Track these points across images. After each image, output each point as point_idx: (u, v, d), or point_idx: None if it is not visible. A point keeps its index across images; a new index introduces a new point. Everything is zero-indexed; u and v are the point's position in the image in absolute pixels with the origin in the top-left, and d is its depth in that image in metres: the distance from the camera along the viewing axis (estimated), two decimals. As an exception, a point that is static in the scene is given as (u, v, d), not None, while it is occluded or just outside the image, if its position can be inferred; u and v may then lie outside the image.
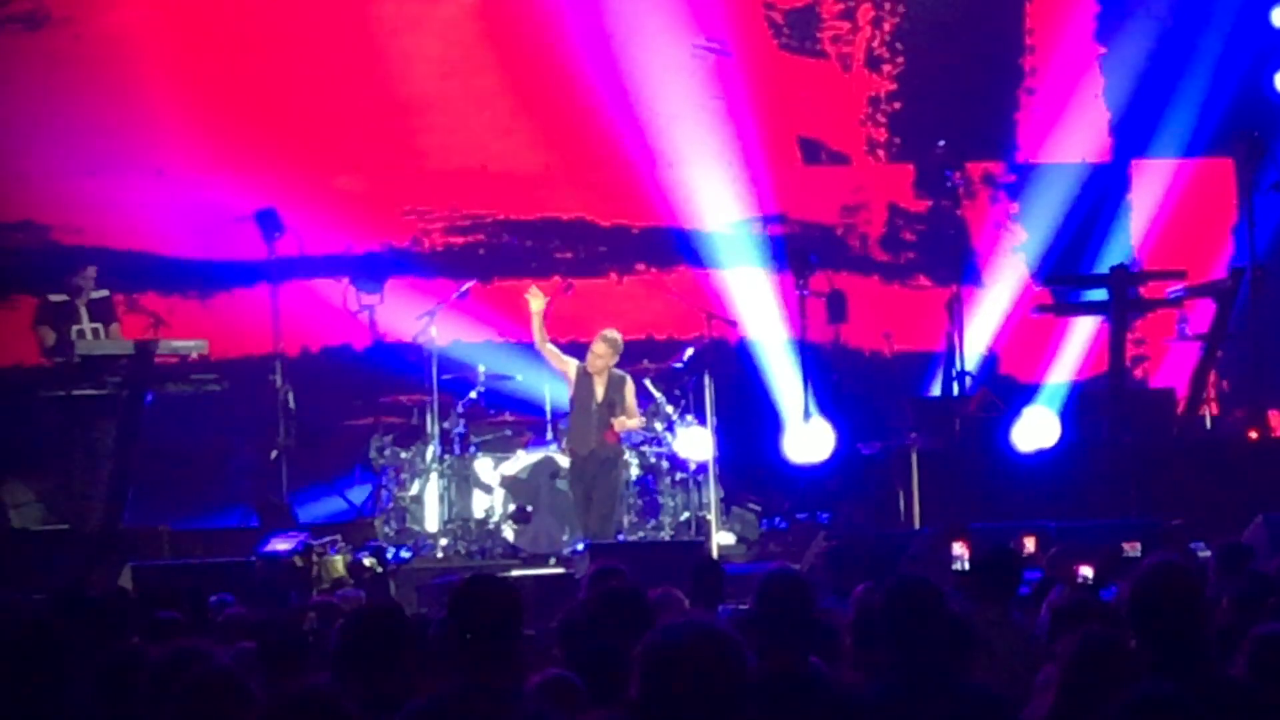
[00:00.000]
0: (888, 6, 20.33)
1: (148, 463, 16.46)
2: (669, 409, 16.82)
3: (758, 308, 19.44)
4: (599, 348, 15.97)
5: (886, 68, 20.37)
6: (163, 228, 18.95)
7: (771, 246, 19.74)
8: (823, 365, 18.34)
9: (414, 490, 16.75)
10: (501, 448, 16.83)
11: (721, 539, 16.57)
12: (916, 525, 15.98)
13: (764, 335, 19.35)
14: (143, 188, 18.92)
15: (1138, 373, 20.10)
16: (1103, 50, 20.48)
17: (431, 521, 16.63)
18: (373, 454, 17.02)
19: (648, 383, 16.85)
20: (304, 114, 19.27)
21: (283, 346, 17.65)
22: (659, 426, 16.77)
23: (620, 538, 16.07)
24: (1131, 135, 20.48)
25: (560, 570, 15.46)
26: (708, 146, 19.83)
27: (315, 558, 15.00)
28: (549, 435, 16.85)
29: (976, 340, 19.06)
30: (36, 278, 17.59)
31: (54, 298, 16.70)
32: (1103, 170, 20.55)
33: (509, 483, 16.51)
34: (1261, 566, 10.47)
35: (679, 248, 19.77)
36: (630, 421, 16.11)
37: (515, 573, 14.48)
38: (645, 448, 16.75)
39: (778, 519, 17.63)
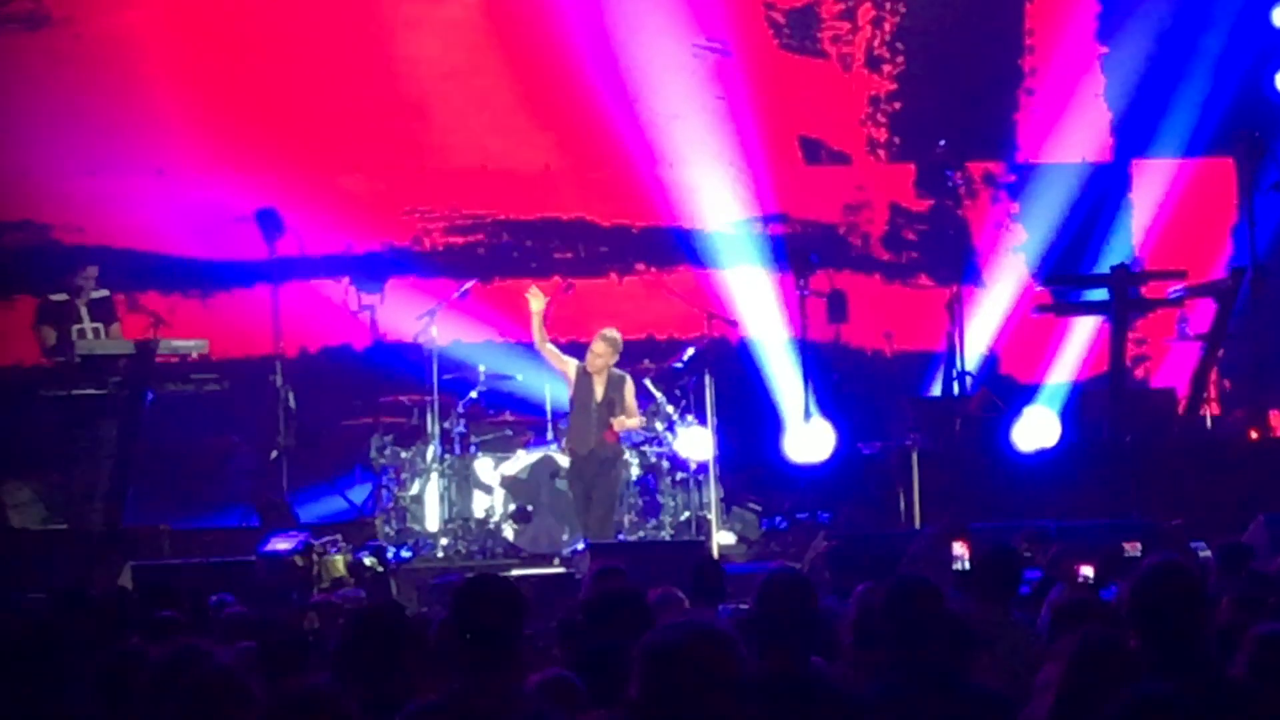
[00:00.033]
0: (888, 6, 20.32)
1: (148, 462, 16.46)
2: (669, 409, 16.81)
3: (758, 307, 19.43)
4: (598, 347, 15.95)
5: (887, 68, 20.36)
6: (163, 227, 18.94)
7: (772, 246, 19.73)
8: (823, 365, 18.33)
9: (414, 490, 16.75)
10: (501, 447, 16.83)
11: (722, 539, 16.56)
12: (917, 525, 15.96)
13: (764, 335, 19.34)
14: (143, 187, 18.92)
15: (1138, 373, 20.09)
16: (1103, 50, 20.48)
17: (432, 521, 16.63)
18: (373, 454, 17.01)
19: (648, 382, 16.83)
20: (304, 114, 19.27)
21: (283, 346, 17.68)
22: (659, 426, 16.76)
23: (620, 537, 16.06)
24: (1132, 135, 20.47)
25: (560, 570, 15.47)
26: (708, 146, 19.83)
27: (316, 557, 15.00)
28: (549, 435, 16.85)
29: (977, 340, 19.05)
30: (37, 277, 17.60)
31: (54, 297, 16.71)
32: (1103, 170, 20.53)
33: (509, 482, 16.50)
34: (1261, 566, 10.49)
35: (679, 247, 19.76)
36: (630, 421, 16.09)
37: (516, 572, 14.46)
38: (645, 447, 16.74)
39: (778, 519, 17.61)
